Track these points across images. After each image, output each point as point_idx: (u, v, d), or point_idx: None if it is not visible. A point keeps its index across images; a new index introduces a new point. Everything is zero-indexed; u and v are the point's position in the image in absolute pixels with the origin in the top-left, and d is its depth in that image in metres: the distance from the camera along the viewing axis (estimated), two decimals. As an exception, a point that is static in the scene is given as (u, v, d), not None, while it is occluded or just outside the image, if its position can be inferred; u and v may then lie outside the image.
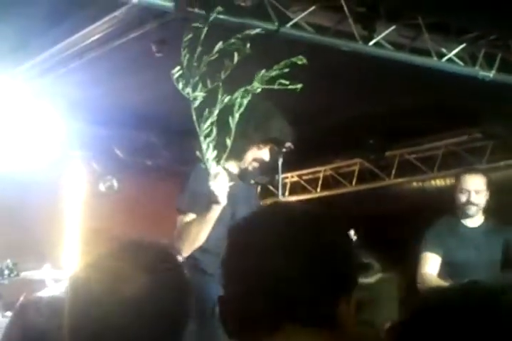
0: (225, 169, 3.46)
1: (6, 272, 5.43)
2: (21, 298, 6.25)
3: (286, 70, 3.20)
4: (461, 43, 5.46)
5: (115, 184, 7.52)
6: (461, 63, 5.51)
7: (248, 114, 3.33)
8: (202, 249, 3.49)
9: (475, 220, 4.91)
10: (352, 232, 2.98)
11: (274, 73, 3.23)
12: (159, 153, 7.68)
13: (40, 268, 5.77)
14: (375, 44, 5.18)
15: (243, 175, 3.74)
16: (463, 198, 4.80)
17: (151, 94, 6.08)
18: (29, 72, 5.38)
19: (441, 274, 4.73)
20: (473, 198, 4.78)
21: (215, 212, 3.38)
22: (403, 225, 7.53)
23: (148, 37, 4.92)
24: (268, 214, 1.40)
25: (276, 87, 3.22)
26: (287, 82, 3.21)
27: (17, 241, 6.78)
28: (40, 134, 6.20)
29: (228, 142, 3.28)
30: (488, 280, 4.24)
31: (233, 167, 3.71)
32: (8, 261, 5.48)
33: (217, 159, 3.31)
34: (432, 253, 4.78)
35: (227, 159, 3.43)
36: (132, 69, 5.64)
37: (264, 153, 3.69)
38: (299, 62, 3.27)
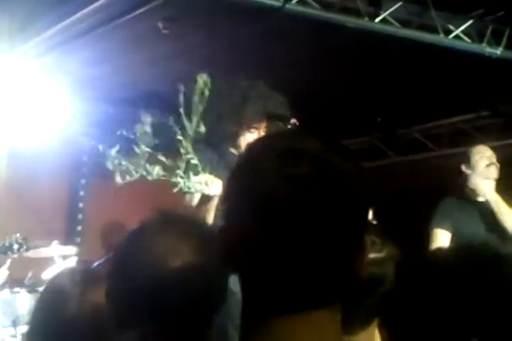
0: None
1: (16, 246, 5.40)
2: (29, 274, 6.22)
3: None
4: (468, 20, 5.42)
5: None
6: (468, 40, 5.47)
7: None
8: None
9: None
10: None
11: None
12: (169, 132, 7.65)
13: (48, 246, 5.79)
14: (381, 21, 5.15)
15: None
16: (483, 162, 4.82)
17: (158, 71, 6.07)
18: (35, 50, 5.39)
19: None
20: (494, 160, 4.82)
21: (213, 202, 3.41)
22: (411, 203, 7.54)
23: (154, 14, 4.91)
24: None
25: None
26: None
27: (26, 218, 6.82)
28: (48, 112, 6.20)
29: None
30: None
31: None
32: (18, 235, 5.47)
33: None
34: (442, 229, 4.83)
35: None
36: (139, 46, 5.63)
37: (254, 137, 3.57)
38: None
